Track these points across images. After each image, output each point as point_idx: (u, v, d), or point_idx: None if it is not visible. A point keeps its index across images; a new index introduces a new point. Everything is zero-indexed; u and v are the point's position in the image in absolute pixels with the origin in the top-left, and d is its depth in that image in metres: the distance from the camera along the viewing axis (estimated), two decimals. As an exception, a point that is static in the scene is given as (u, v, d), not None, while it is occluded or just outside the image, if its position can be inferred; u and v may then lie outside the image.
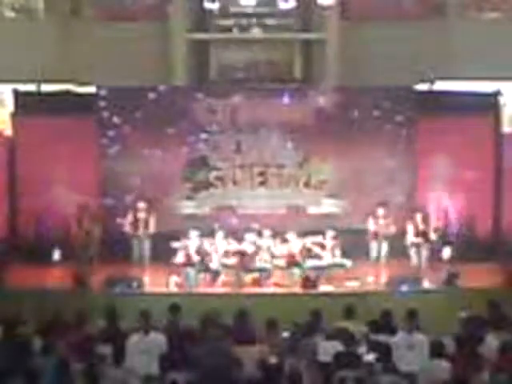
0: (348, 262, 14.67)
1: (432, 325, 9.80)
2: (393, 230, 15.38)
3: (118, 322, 9.83)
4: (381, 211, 15.47)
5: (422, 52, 16.34)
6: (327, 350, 8.82)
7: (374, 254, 15.46)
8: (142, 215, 15.43)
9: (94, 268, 14.65)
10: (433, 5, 17.52)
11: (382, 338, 9.20)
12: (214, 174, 16.69)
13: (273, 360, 8.32)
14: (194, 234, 14.80)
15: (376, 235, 15.43)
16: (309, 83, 17.27)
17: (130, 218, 15.43)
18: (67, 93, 16.70)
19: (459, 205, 16.53)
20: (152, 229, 15.40)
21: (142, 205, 15.47)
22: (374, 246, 15.49)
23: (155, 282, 14.27)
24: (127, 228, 15.43)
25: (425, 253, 15.31)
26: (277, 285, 14.28)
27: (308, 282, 13.73)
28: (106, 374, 8.11)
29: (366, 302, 11.89)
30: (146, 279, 14.19)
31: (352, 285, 14.05)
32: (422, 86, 17.02)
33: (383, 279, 14.25)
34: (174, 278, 14.08)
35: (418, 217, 15.41)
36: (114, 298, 12.21)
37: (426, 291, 13.62)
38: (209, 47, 17.88)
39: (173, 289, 13.92)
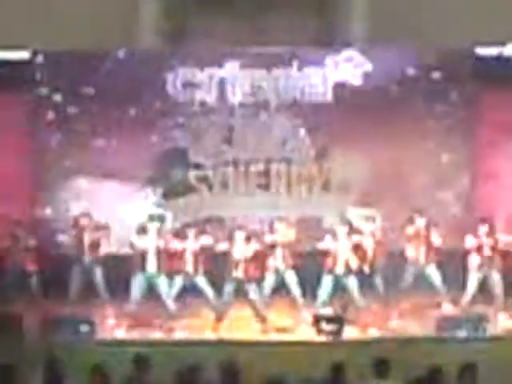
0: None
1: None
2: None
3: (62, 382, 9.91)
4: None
5: (487, 4, 16.46)
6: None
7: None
8: (89, 233, 15.50)
9: (28, 306, 14.78)
10: None
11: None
12: (194, 173, 16.83)
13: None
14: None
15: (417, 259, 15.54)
16: (328, 46, 17.29)
17: (73, 236, 15.53)
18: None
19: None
20: (103, 251, 15.43)
21: (87, 220, 15.46)
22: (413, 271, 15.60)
23: (110, 324, 14.41)
24: (70, 249, 15.55)
25: (494, 280, 15.32)
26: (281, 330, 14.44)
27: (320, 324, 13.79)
28: None
29: (406, 353, 11.99)
30: (99, 319, 14.25)
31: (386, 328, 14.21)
32: (488, 50, 17.09)
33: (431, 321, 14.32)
34: None
35: (481, 229, 15.46)
36: (54, 348, 12.28)
37: (492, 338, 13.67)
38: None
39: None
